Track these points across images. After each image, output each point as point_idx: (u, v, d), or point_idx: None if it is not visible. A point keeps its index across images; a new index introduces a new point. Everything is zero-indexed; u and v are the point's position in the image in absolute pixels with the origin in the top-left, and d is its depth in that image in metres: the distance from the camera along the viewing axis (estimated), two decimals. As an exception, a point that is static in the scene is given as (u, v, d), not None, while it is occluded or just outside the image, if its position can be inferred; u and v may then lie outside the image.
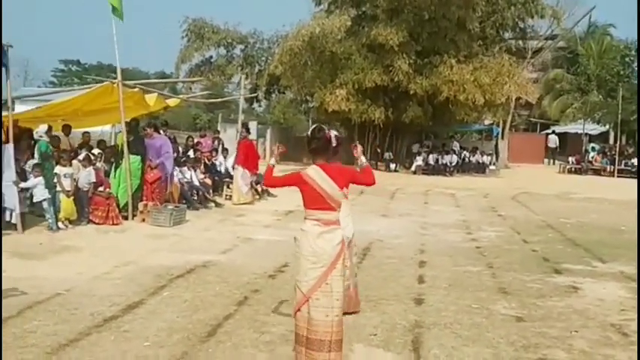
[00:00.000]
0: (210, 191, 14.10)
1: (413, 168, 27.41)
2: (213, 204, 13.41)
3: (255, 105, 38.60)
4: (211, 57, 30.20)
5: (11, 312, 5.49)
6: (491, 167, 29.22)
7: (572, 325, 5.65)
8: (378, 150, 28.62)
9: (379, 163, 28.50)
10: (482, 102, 23.92)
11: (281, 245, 8.63)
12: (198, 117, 50.00)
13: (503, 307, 6.26)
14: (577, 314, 6.04)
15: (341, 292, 4.30)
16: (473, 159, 29.16)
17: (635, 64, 38.68)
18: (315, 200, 4.34)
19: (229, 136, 21.70)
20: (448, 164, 27.55)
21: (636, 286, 7.21)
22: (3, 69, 8.93)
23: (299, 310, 4.29)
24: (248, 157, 14.89)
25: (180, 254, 8.38)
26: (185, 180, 12.95)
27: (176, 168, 12.56)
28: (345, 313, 5.46)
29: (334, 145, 4.47)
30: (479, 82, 23.56)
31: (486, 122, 33.56)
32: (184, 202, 12.26)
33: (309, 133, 4.57)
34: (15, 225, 9.33)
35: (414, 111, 25.47)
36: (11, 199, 9.29)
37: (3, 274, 6.83)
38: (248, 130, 16.46)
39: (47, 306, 5.78)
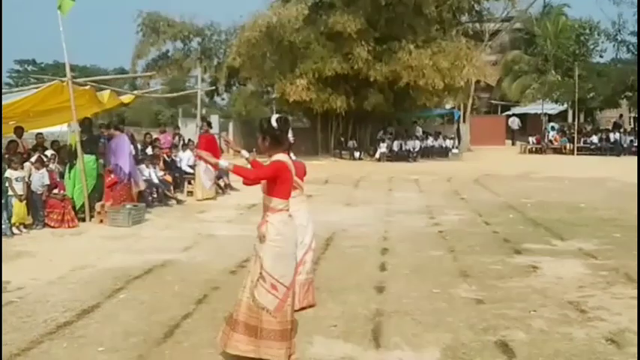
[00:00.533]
0: (172, 188, 13.86)
1: (377, 155, 27.48)
2: (174, 201, 13.20)
3: (217, 98, 38.23)
4: (168, 51, 29.71)
5: (-41, 323, 5.29)
6: (454, 151, 29.46)
7: (531, 305, 5.69)
8: (342, 139, 28.61)
9: (343, 152, 28.53)
10: (442, 86, 24.08)
11: (243, 240, 8.48)
12: (160, 113, 49.28)
13: (464, 290, 6.28)
14: (536, 293, 6.09)
15: None
16: (436, 143, 29.37)
17: (590, 42, 39.43)
18: (290, 189, 4.36)
19: (191, 130, 21.40)
20: (411, 150, 27.68)
21: (595, 264, 7.33)
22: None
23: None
24: (209, 151, 14.67)
25: (138, 254, 8.20)
26: (144, 178, 12.69)
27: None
28: (302, 308, 5.46)
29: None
30: (438, 67, 23.68)
31: (447, 106, 33.81)
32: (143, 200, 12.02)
33: (273, 123, 4.39)
34: (-34, 232, 9.03)
35: (376, 98, 25.51)
36: (-40, 206, 8.98)
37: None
38: (209, 125, 16.20)
39: (-3, 315, 5.58)
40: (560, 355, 4.46)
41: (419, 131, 30.02)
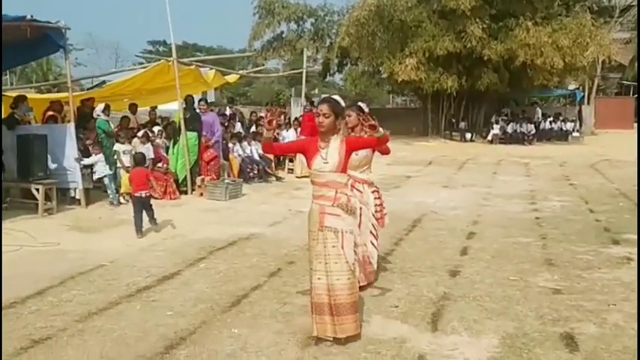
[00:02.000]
0: (273, 165, 14.24)
1: (489, 137, 26.57)
2: (274, 178, 13.57)
3: (331, 78, 38.46)
4: (282, 32, 30.27)
5: (53, 282, 5.81)
6: (575, 134, 27.81)
7: (612, 298, 5.30)
8: (453, 120, 27.89)
9: (454, 134, 27.82)
10: (562, 65, 22.73)
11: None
12: (280, 93, 50.51)
13: (544, 279, 5.96)
14: (622, 286, 5.65)
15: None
16: (555, 126, 27.85)
17: None
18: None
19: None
20: (526, 132, 26.46)
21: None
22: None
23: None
24: (312, 129, 14.93)
25: (228, 227, 8.55)
26: (245, 155, 13.15)
27: (236, 143, 12.79)
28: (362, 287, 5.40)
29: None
30: (557, 45, 22.36)
31: (570, 87, 31.86)
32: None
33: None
34: (79, 200, 9.85)
35: (490, 78, 24.57)
36: (75, 176, 9.79)
37: (56, 246, 7.29)
38: (312, 104, 16.47)
39: (88, 276, 6.06)
40: (628, 352, 4.13)
41: (538, 113, 28.59)
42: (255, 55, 28.09)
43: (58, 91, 17.78)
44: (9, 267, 6.31)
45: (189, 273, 6.25)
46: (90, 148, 10.34)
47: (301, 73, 17.11)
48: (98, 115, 10.55)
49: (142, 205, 8.04)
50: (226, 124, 14.28)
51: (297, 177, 14.10)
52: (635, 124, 34.46)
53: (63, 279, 5.92)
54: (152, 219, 8.11)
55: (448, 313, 4.97)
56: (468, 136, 27.26)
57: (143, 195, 8.09)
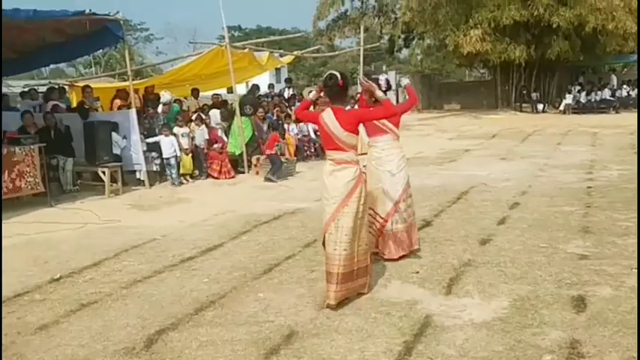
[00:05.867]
0: (330, 143, 14.48)
1: (562, 107, 25.73)
2: (331, 155, 13.84)
3: (405, 55, 38.10)
4: (346, 11, 30.35)
5: (109, 254, 6.39)
6: (654, 101, 26.38)
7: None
8: (524, 91, 27.16)
9: (525, 105, 27.12)
10: (635, 30, 21.61)
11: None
12: (355, 71, 50.52)
13: (574, 246, 5.98)
14: (653, 252, 5.61)
15: (350, 229, 4.50)
16: (633, 94, 26.55)
17: None
18: (328, 141, 4.62)
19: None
20: (601, 101, 25.41)
21: None
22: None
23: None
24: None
25: (277, 203, 8.94)
26: (302, 134, 13.51)
27: (291, 122, 13.18)
28: (402, 257, 5.65)
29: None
30: (630, 8, 21.27)
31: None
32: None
33: (323, 80, 4.77)
34: (143, 182, 10.55)
35: (560, 45, 23.79)
36: (139, 159, 10.49)
37: (116, 223, 7.92)
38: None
39: (140, 249, 6.61)
40: (635, 312, 4.18)
41: (613, 80, 27.35)
42: (315, 34, 28.33)
43: (140, 79, 18.80)
44: (73, 242, 6.99)
45: (231, 245, 6.67)
46: (156, 130, 11.02)
47: (364, 50, 17.23)
48: (171, 102, 11.22)
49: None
50: (286, 104, 14.69)
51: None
52: None
53: (118, 252, 6.49)
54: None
55: (466, 278, 5.13)
56: (540, 107, 26.53)
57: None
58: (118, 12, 9.75)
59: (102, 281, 5.53)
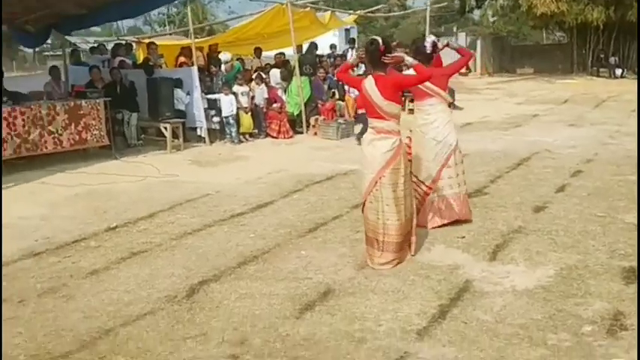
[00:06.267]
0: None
1: (642, 73, 24.29)
2: (391, 117, 13.68)
3: (472, 15, 36.79)
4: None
5: (164, 207, 6.60)
6: None
7: (700, 237, 5.00)
8: (602, 55, 25.80)
9: (602, 70, 25.79)
10: None
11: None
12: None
13: (633, 216, 5.71)
14: None
15: (391, 199, 4.45)
16: None
17: None
18: (370, 109, 4.57)
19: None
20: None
21: None
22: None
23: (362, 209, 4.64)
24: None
25: (331, 163, 8.94)
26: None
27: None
28: (455, 222, 5.52)
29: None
30: None
31: None
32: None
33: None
34: (204, 139, 10.77)
35: (642, 7, 22.32)
36: (200, 116, 10.69)
37: (175, 178, 8.14)
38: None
39: (194, 203, 6.79)
40: (686, 286, 3.98)
41: None
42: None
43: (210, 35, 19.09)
44: (132, 193, 7.27)
45: (282, 202, 6.75)
46: (216, 89, 11.17)
47: (434, 10, 16.79)
48: (234, 60, 11.36)
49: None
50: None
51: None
52: None
53: (172, 205, 6.69)
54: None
55: (514, 245, 5.02)
56: (618, 72, 25.14)
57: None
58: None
59: (154, 232, 5.73)
